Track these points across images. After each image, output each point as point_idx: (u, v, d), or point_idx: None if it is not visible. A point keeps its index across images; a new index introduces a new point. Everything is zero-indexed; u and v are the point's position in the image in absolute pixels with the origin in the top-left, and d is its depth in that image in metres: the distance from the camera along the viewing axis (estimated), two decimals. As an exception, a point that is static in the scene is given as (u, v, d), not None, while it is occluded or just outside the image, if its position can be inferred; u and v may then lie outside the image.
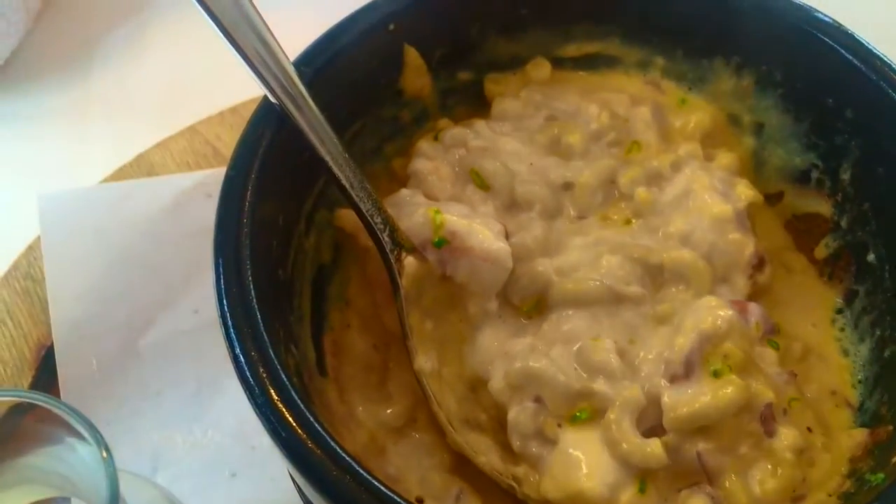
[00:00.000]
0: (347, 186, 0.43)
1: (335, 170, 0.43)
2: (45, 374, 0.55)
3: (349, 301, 0.50)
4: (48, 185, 0.63)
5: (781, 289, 0.51)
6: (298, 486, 0.47)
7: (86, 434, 0.33)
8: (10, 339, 0.56)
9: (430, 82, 0.53)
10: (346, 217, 0.48)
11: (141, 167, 0.64)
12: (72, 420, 0.33)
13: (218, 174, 0.63)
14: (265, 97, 0.44)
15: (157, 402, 0.55)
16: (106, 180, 0.63)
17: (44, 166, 0.67)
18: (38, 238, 0.60)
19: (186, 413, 0.55)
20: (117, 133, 0.69)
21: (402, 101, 0.53)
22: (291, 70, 0.43)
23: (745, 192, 0.49)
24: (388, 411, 0.46)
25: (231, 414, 0.55)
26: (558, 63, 0.56)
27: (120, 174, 0.63)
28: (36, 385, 0.54)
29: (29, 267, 0.59)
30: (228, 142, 0.66)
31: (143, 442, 0.53)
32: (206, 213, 0.61)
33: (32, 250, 0.59)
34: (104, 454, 0.33)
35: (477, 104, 0.56)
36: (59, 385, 0.54)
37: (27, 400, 0.34)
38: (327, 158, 0.42)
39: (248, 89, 0.67)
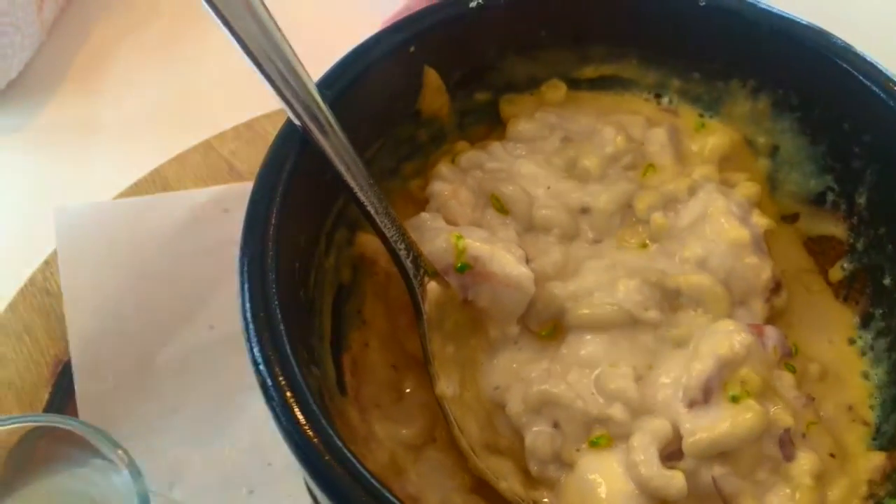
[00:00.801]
0: (373, 213, 0.43)
1: (361, 196, 0.43)
2: (62, 389, 0.55)
3: (367, 321, 0.50)
4: (62, 198, 0.63)
5: (798, 309, 0.51)
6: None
7: (115, 460, 0.33)
8: (28, 355, 0.56)
9: (448, 103, 0.53)
10: (367, 242, 0.49)
11: (156, 182, 0.64)
12: (102, 446, 0.34)
13: (234, 189, 0.64)
14: (288, 120, 0.44)
15: (174, 418, 0.55)
16: (122, 195, 0.63)
17: (58, 180, 0.67)
18: (54, 253, 0.60)
19: (203, 430, 0.55)
20: (131, 147, 0.69)
21: (419, 122, 0.53)
22: (317, 95, 0.43)
23: (760, 220, 0.49)
24: (407, 431, 0.47)
25: (247, 431, 0.55)
26: (574, 84, 0.56)
27: (135, 189, 0.63)
28: (52, 401, 0.54)
29: (45, 282, 0.59)
30: (243, 157, 0.66)
31: (161, 459, 0.53)
32: (223, 229, 0.62)
33: (48, 265, 0.59)
34: (137, 480, 0.33)
35: (493, 123, 0.56)
36: (77, 401, 0.54)
37: (59, 426, 0.34)
38: (353, 184, 0.43)
39: (262, 104, 0.68)
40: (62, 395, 0.55)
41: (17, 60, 0.70)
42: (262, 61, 0.41)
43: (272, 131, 0.67)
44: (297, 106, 0.42)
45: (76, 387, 0.54)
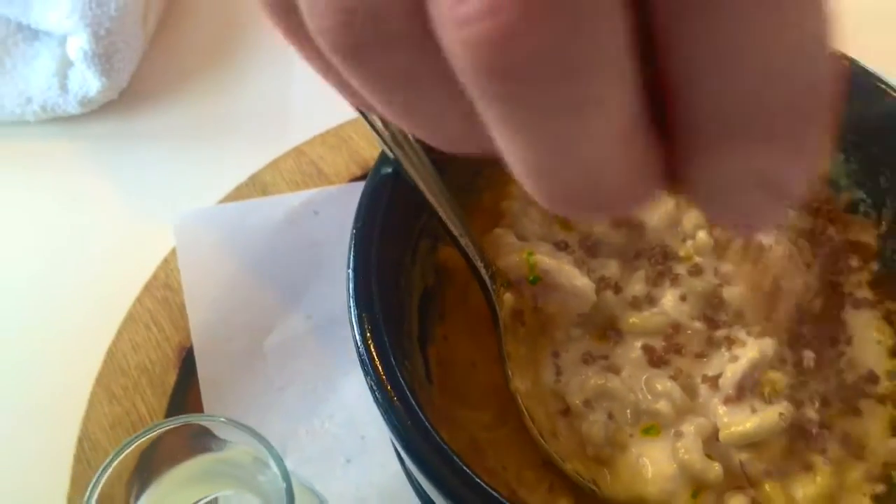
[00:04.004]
0: (457, 235, 0.51)
1: (448, 223, 0.50)
2: (186, 372, 0.64)
3: (448, 321, 0.58)
4: (171, 201, 0.72)
5: (830, 310, 0.58)
6: (411, 478, 0.56)
7: (269, 457, 0.42)
8: (156, 342, 0.65)
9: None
10: (448, 255, 0.56)
11: (255, 186, 0.72)
12: (254, 444, 0.42)
13: (322, 193, 0.72)
14: (383, 153, 0.51)
15: (280, 397, 0.64)
16: (226, 198, 0.72)
17: (166, 185, 0.75)
18: (171, 252, 0.68)
19: (305, 407, 0.64)
20: (230, 153, 0.77)
21: (490, 142, 0.60)
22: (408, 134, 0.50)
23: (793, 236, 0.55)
24: (484, 415, 0.55)
25: (343, 408, 0.64)
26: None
27: (238, 193, 0.72)
28: (179, 382, 0.63)
29: (166, 278, 0.68)
30: (330, 161, 0.74)
31: (272, 432, 0.60)
32: (314, 229, 0.71)
33: (167, 263, 0.68)
34: (282, 469, 0.41)
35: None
36: (199, 383, 0.63)
37: (229, 425, 0.43)
38: (441, 213, 0.50)
39: (343, 113, 0.75)
40: (187, 376, 0.64)
41: (126, 72, 0.78)
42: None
43: (355, 137, 0.76)
44: (390, 143, 0.50)
45: (198, 370, 0.64)
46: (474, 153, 0.24)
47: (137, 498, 0.45)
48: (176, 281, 0.67)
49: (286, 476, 0.41)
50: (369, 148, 0.74)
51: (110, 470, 0.41)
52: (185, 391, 0.64)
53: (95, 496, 0.40)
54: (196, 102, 0.80)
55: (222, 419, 0.43)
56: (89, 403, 0.62)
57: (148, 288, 0.67)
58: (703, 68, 0.19)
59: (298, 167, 0.73)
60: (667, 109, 0.21)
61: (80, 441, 0.61)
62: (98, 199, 0.75)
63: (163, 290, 0.67)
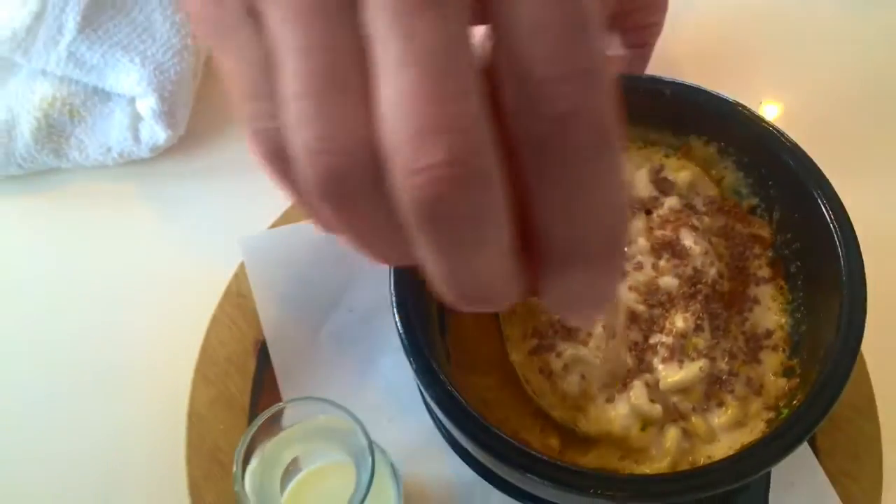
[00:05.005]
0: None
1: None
2: (262, 360, 0.83)
3: (460, 315, 0.78)
4: (230, 225, 0.91)
5: (737, 288, 0.79)
6: (441, 429, 0.77)
7: (354, 424, 0.62)
8: (237, 338, 0.84)
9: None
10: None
11: (298, 210, 0.92)
12: (347, 418, 0.62)
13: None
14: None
15: (335, 374, 0.83)
16: (278, 221, 0.91)
17: (225, 210, 0.94)
18: (239, 266, 0.88)
19: (353, 382, 0.82)
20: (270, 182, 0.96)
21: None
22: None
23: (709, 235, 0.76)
24: (490, 380, 0.76)
25: (382, 380, 0.83)
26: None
27: (286, 217, 0.91)
28: (258, 368, 0.82)
29: (238, 287, 0.87)
30: (355, 187, 0.93)
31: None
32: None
33: (237, 276, 0.87)
34: (365, 436, 0.62)
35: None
36: (274, 368, 0.83)
37: (326, 403, 0.63)
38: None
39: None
40: (263, 364, 0.82)
41: (184, 123, 0.96)
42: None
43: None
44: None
45: (272, 358, 0.84)
46: (406, 265, 0.34)
47: (261, 450, 0.65)
48: (246, 289, 0.87)
49: (367, 437, 0.62)
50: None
51: (253, 431, 0.61)
52: (262, 375, 0.83)
53: (244, 449, 0.60)
54: (239, 142, 0.99)
55: (322, 400, 0.64)
56: (192, 387, 0.82)
57: (226, 296, 0.87)
58: (553, 223, 0.30)
59: (330, 193, 0.93)
60: (530, 245, 0.32)
61: (190, 416, 0.81)
62: (172, 226, 0.94)
63: (237, 297, 0.87)
